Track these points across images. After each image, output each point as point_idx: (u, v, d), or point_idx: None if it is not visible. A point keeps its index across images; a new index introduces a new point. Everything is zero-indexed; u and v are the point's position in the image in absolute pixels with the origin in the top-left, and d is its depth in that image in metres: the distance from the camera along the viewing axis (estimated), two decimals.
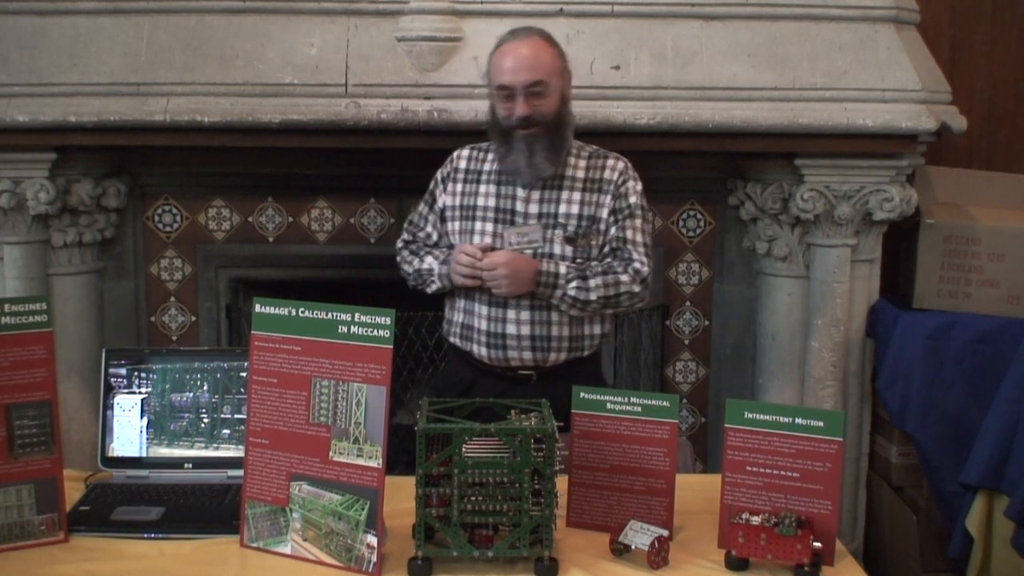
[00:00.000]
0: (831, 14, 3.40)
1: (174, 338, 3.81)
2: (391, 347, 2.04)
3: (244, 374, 2.40)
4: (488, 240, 2.74)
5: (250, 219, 3.74)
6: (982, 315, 3.45)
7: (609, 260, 2.75)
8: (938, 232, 3.54)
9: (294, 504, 2.11)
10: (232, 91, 3.32)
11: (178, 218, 3.74)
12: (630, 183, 2.78)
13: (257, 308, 2.17)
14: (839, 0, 3.39)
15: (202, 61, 3.34)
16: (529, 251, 2.70)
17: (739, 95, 3.35)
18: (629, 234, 2.76)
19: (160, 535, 2.17)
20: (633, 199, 2.77)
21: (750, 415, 2.12)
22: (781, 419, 2.10)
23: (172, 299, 3.80)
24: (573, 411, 2.25)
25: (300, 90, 3.33)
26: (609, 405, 2.23)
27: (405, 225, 3.00)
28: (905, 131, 3.34)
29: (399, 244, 2.97)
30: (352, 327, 2.06)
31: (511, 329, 2.75)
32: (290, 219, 3.74)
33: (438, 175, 2.91)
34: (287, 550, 2.11)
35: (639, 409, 2.21)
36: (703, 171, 3.72)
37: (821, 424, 2.07)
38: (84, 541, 2.17)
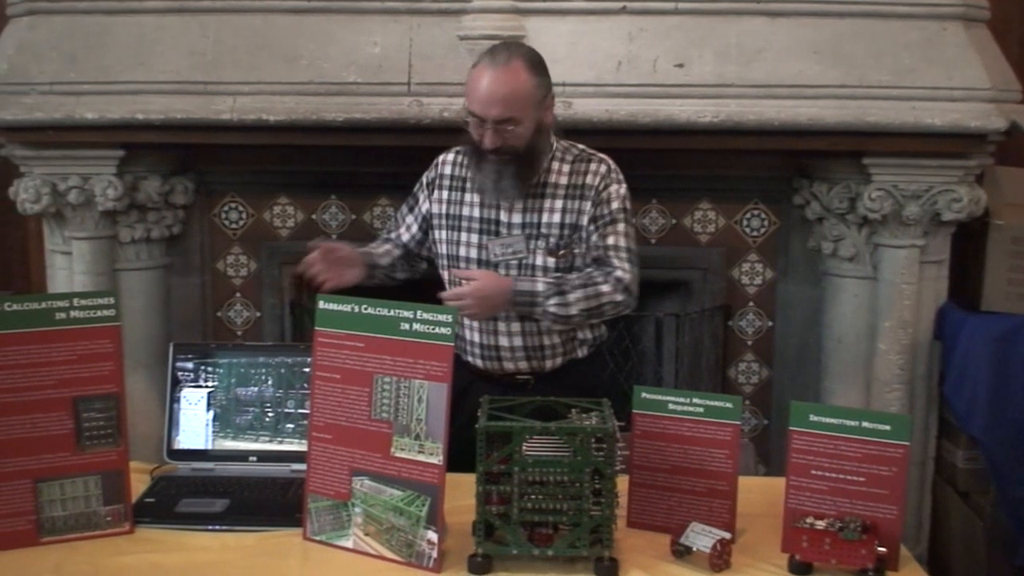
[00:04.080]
0: (898, 11, 3.35)
1: (239, 333, 3.85)
2: (452, 344, 2.06)
3: (307, 370, 2.41)
4: (474, 252, 2.69)
5: (314, 216, 3.77)
6: None
7: (590, 270, 2.64)
8: (1007, 233, 3.47)
9: (355, 499, 2.12)
10: (296, 90, 3.35)
11: (243, 215, 3.78)
12: (612, 188, 2.66)
13: (320, 305, 2.19)
14: None
15: (267, 60, 3.37)
16: (514, 262, 2.65)
17: (805, 92, 3.31)
18: (611, 240, 2.64)
19: (224, 527, 2.21)
20: (615, 204, 2.65)
21: (815, 418, 2.10)
22: (847, 423, 2.07)
23: (237, 295, 3.85)
24: (634, 411, 2.24)
25: (363, 89, 3.36)
26: (671, 406, 2.22)
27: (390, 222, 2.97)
28: (974, 130, 3.28)
29: None
30: (414, 324, 2.08)
31: (504, 341, 2.70)
32: (353, 217, 3.77)
33: (424, 178, 2.84)
34: (348, 544, 2.13)
35: (701, 410, 2.19)
36: (767, 170, 3.69)
37: (887, 428, 2.05)
38: (149, 533, 2.20)
